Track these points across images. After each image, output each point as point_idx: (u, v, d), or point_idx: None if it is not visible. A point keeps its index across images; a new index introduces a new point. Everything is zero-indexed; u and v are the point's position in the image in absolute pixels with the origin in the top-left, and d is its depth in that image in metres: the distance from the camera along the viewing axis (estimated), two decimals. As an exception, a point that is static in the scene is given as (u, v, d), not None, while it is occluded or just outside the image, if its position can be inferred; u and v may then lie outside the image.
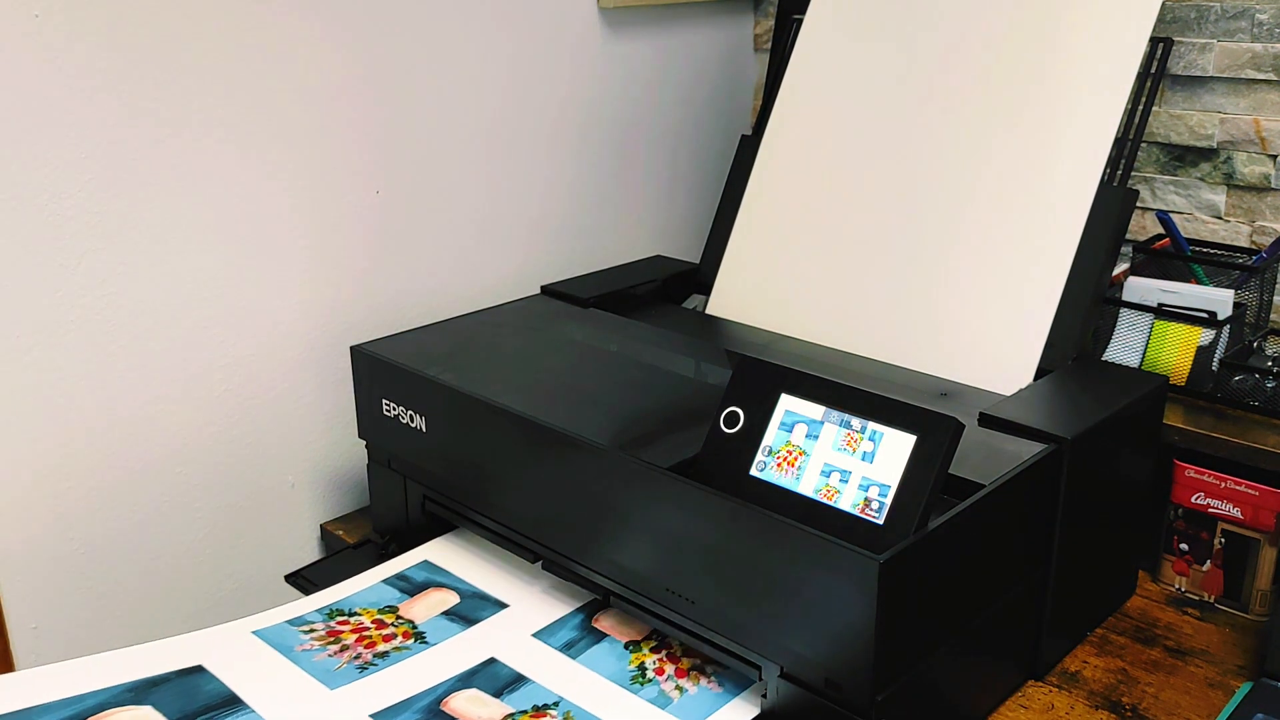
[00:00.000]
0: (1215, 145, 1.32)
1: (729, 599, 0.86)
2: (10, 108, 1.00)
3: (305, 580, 1.16)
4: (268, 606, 1.05)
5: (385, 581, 1.08)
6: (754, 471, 0.89)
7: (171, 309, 1.14)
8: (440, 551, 1.13)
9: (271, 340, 1.23)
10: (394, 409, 1.12)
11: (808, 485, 0.86)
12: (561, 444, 0.97)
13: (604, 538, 0.96)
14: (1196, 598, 1.13)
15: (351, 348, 1.16)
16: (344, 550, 1.23)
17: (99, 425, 1.11)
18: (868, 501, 0.83)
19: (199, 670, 0.94)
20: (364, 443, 1.20)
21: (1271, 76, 1.27)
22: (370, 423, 1.16)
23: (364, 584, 1.08)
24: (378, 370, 1.13)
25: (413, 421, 1.10)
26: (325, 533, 1.31)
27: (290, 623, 1.02)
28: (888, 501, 0.82)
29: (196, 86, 1.11)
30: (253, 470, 1.24)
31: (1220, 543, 1.10)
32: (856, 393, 0.87)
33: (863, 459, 0.84)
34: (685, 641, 0.93)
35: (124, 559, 1.16)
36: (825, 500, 0.85)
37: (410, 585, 1.08)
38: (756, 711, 0.89)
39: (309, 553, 1.31)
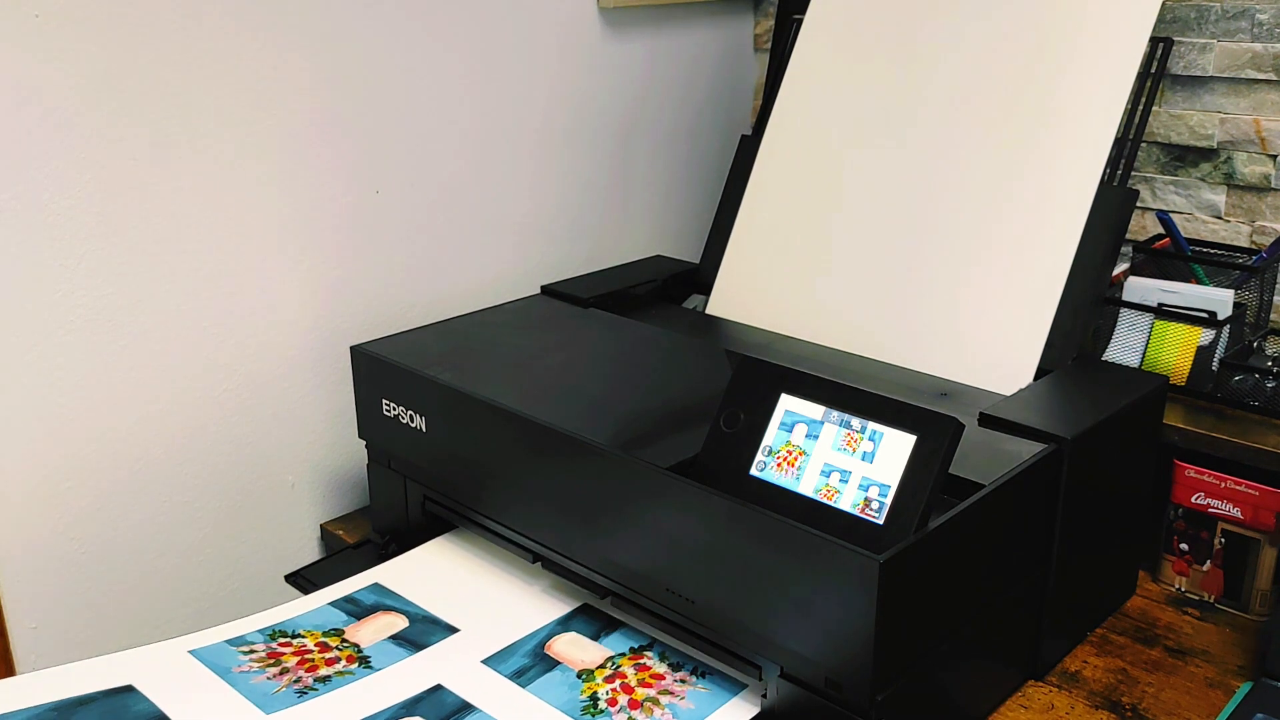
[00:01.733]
0: (1215, 145, 1.32)
1: (729, 599, 0.86)
2: (10, 108, 1.00)
3: (305, 580, 1.16)
4: (267, 606, 1.05)
5: (332, 604, 1.05)
6: (754, 471, 0.89)
7: (171, 309, 1.14)
8: (391, 574, 1.10)
9: (271, 340, 1.23)
10: (394, 409, 1.12)
11: (808, 485, 0.86)
12: (561, 444, 0.97)
13: (604, 538, 0.96)
14: (1196, 598, 1.13)
15: (351, 348, 1.16)
16: (344, 550, 1.23)
17: (99, 425, 1.11)
18: (868, 501, 0.83)
19: (129, 690, 0.90)
20: (364, 443, 1.20)
21: (1271, 76, 1.27)
22: (370, 423, 1.16)
23: (309, 605, 1.04)
24: (378, 370, 1.13)
25: (413, 421, 1.10)
26: (325, 533, 1.31)
27: (229, 642, 0.98)
28: (888, 501, 0.82)
29: (196, 86, 1.11)
30: (253, 470, 1.24)
31: (1220, 543, 1.10)
32: (856, 393, 0.87)
33: (863, 459, 0.84)
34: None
35: (124, 559, 1.16)
36: (825, 500, 0.85)
37: (358, 608, 1.04)
38: None
39: (309, 553, 1.31)
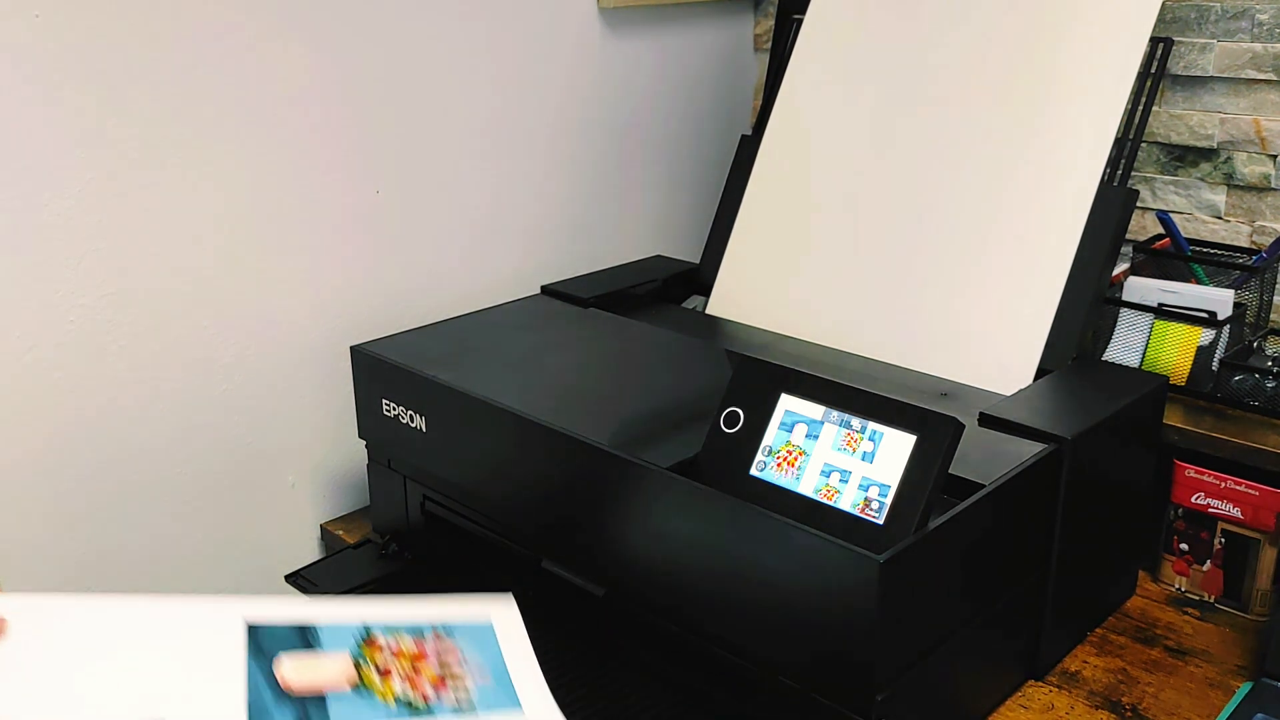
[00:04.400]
0: (1215, 145, 1.32)
1: (729, 599, 0.86)
2: (10, 108, 1.00)
3: (305, 580, 1.16)
4: (268, 606, 1.05)
5: None
6: (754, 471, 0.89)
7: (171, 309, 1.14)
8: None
9: (271, 340, 1.23)
10: (394, 409, 1.12)
11: (808, 485, 0.86)
12: (561, 444, 0.97)
13: (604, 538, 0.96)
14: (1196, 598, 1.13)
15: (351, 348, 1.16)
16: (344, 550, 1.24)
17: (99, 425, 1.11)
18: (868, 501, 0.83)
19: None
20: (364, 443, 1.20)
21: (1271, 76, 1.27)
22: (370, 423, 1.16)
23: None
24: (378, 370, 1.13)
25: (413, 421, 1.10)
26: (325, 533, 1.31)
27: None
28: (888, 501, 0.82)
29: (196, 86, 1.11)
30: (253, 470, 1.24)
31: (1220, 543, 1.10)
32: (856, 393, 0.87)
33: (863, 459, 0.84)
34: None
35: (123, 559, 1.16)
36: (825, 500, 0.85)
37: None
38: None
39: (309, 553, 1.31)
